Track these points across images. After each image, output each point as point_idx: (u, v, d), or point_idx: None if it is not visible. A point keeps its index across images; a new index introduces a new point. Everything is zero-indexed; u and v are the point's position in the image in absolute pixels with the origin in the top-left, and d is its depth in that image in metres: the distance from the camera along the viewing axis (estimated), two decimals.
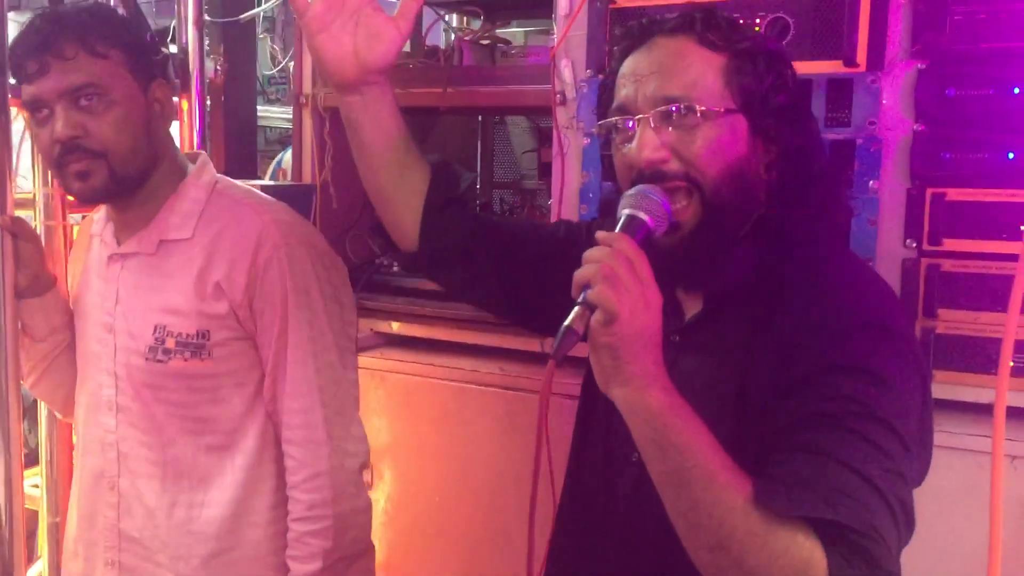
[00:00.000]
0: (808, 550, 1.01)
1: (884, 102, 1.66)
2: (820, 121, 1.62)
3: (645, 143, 1.19)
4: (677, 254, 1.20)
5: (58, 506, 2.08)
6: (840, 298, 1.16)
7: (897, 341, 1.13)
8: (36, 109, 1.54)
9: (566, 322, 1.05)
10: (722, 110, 1.19)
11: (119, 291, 1.64)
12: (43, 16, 1.55)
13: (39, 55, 1.51)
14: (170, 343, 1.57)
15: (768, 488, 1.03)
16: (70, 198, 1.91)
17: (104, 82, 1.52)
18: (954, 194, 1.63)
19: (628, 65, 1.24)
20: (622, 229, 1.12)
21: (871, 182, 1.67)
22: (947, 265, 1.65)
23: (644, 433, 1.07)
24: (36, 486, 2.16)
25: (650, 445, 1.07)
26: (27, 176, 2.08)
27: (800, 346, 1.13)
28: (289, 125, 2.91)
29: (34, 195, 2.01)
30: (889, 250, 1.68)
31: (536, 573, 1.17)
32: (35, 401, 2.13)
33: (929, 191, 1.64)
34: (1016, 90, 1.57)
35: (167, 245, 1.61)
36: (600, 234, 1.09)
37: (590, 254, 1.06)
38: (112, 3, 2.15)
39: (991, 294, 1.62)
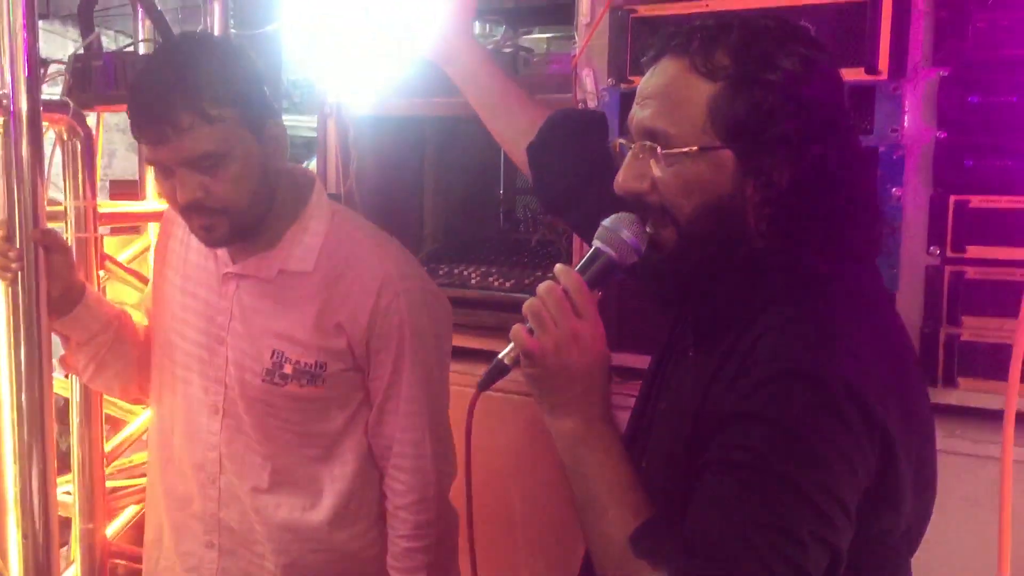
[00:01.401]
0: None
1: (906, 109, 1.65)
2: None
3: (627, 172, 1.18)
4: (659, 274, 1.21)
5: (91, 512, 2.11)
6: (779, 341, 1.09)
7: (827, 394, 1.03)
8: (156, 166, 1.56)
9: (500, 355, 1.13)
10: (696, 148, 1.12)
11: (233, 309, 1.67)
12: (156, 74, 1.53)
13: (156, 125, 1.49)
14: (288, 368, 1.63)
15: (642, 531, 1.08)
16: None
17: (221, 148, 1.51)
18: (977, 201, 1.62)
19: (640, 84, 1.21)
20: (584, 263, 1.17)
21: (894, 189, 1.67)
22: (971, 272, 1.64)
23: (563, 459, 1.14)
24: (68, 493, 2.19)
25: (568, 470, 1.14)
26: (58, 183, 2.11)
27: (731, 386, 1.10)
28: (314, 134, 2.93)
29: (65, 208, 2.04)
30: (912, 257, 1.67)
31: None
32: (66, 404, 2.16)
33: (952, 198, 1.64)
34: None
35: (286, 274, 1.64)
36: (556, 268, 1.13)
37: (538, 288, 1.11)
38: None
39: (1016, 301, 1.61)
